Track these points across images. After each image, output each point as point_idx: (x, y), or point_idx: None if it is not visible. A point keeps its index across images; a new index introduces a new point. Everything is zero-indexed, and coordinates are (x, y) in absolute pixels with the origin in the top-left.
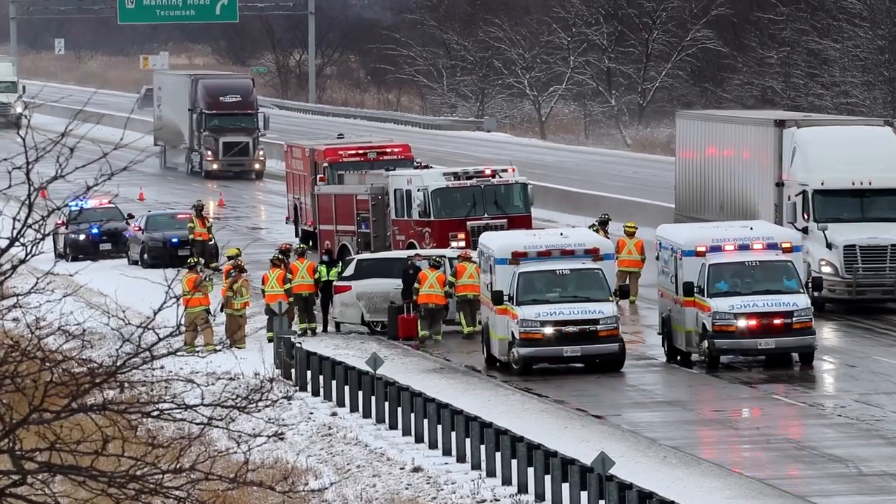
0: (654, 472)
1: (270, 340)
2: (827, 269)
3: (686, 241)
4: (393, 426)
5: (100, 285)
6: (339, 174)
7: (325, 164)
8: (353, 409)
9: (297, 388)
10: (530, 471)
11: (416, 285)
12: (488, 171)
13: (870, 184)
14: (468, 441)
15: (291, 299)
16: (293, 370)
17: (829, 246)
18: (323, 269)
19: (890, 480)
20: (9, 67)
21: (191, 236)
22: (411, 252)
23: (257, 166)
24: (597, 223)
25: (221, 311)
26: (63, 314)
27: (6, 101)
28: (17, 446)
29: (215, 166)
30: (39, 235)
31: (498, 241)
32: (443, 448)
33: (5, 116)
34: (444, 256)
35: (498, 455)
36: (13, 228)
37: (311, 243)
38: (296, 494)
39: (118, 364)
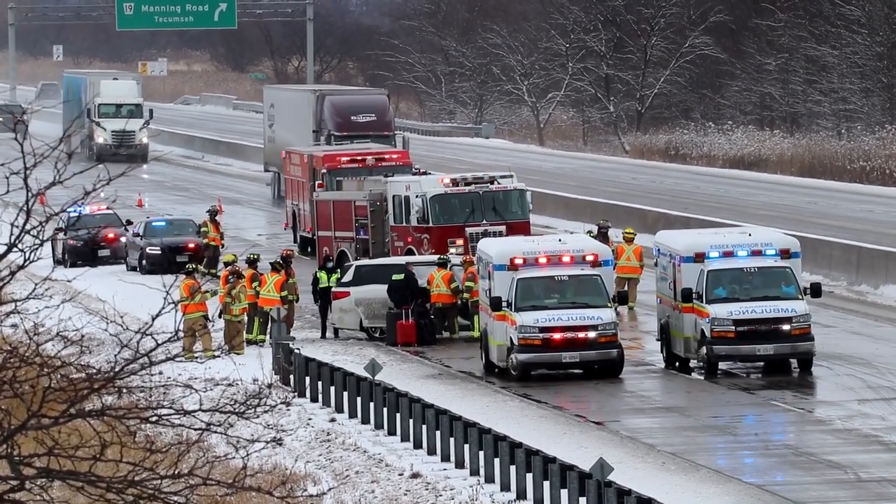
0: (652, 479)
1: (250, 343)
2: None
3: (685, 248)
4: (391, 432)
5: (98, 291)
6: (338, 180)
7: (324, 171)
8: (352, 414)
9: (296, 393)
10: (529, 477)
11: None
12: (487, 178)
13: None
14: (467, 447)
15: (286, 306)
16: (292, 376)
17: None
18: (323, 275)
19: (888, 486)
20: (132, 87)
21: (205, 241)
22: (402, 259)
23: None
24: (595, 230)
25: (220, 316)
26: (61, 320)
27: (130, 130)
28: (16, 452)
29: None
30: (38, 241)
31: (496, 248)
32: (441, 454)
33: (130, 147)
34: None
35: (496, 461)
36: (11, 234)
37: (309, 249)
38: (294, 500)
39: (116, 370)
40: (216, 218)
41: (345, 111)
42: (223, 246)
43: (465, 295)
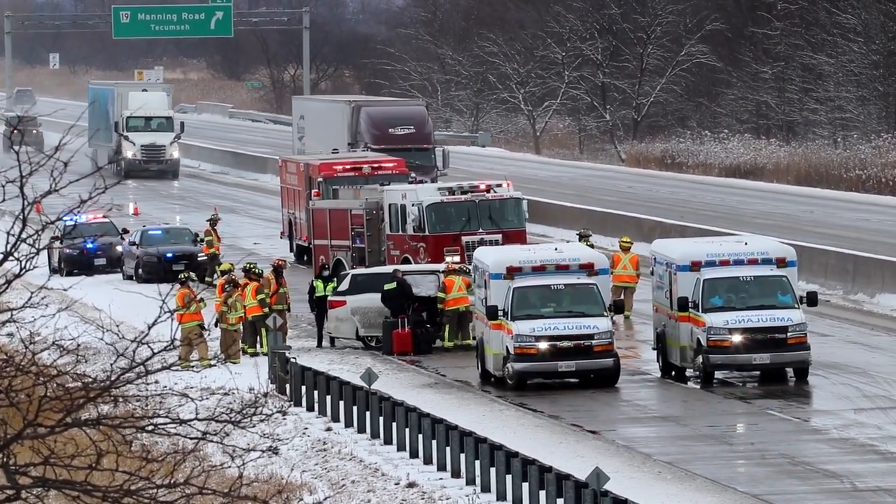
0: (648, 488)
1: (245, 353)
2: None
3: (681, 256)
4: (388, 441)
5: (94, 300)
6: (334, 189)
7: (320, 179)
8: (348, 424)
9: (292, 403)
10: (525, 486)
11: (441, 294)
12: (483, 186)
13: None
14: (463, 456)
15: (266, 310)
16: (288, 385)
17: None
18: (319, 283)
19: (884, 496)
20: (162, 98)
21: (212, 250)
22: (390, 267)
23: None
24: (578, 237)
25: (216, 325)
26: (57, 329)
27: (161, 144)
28: (12, 461)
29: None
30: (34, 250)
31: (493, 256)
32: (438, 463)
33: (159, 163)
34: (438, 272)
35: (493, 470)
36: (7, 243)
37: (305, 258)
38: None
39: (112, 379)
40: (216, 227)
41: (382, 123)
42: (221, 254)
43: (440, 305)
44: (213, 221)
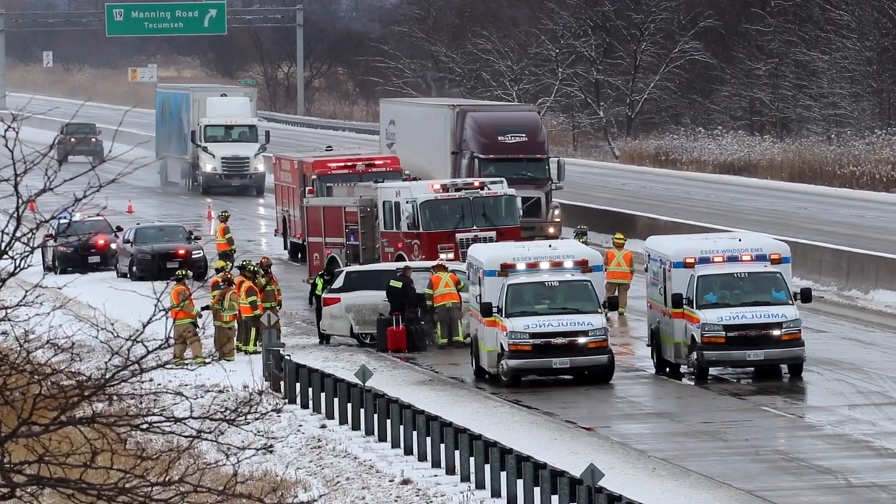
0: (643, 484)
1: (240, 351)
2: None
3: (675, 253)
4: (382, 438)
5: (89, 298)
6: (328, 186)
7: (314, 177)
8: (343, 421)
9: (287, 400)
10: (519, 483)
11: (428, 290)
12: (477, 183)
13: None
14: (457, 453)
15: (257, 312)
16: (282, 382)
17: None
18: (320, 282)
19: (879, 492)
20: (245, 104)
21: (232, 247)
22: (401, 264)
23: (552, 230)
24: (575, 235)
25: (214, 320)
26: (52, 327)
27: (244, 156)
28: (6, 459)
29: None
30: (28, 248)
31: (487, 253)
32: (432, 460)
33: (242, 177)
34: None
35: (487, 467)
36: (1, 241)
37: (299, 255)
38: None
39: (107, 377)
40: (226, 223)
41: (491, 130)
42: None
43: (429, 302)
44: (224, 218)
